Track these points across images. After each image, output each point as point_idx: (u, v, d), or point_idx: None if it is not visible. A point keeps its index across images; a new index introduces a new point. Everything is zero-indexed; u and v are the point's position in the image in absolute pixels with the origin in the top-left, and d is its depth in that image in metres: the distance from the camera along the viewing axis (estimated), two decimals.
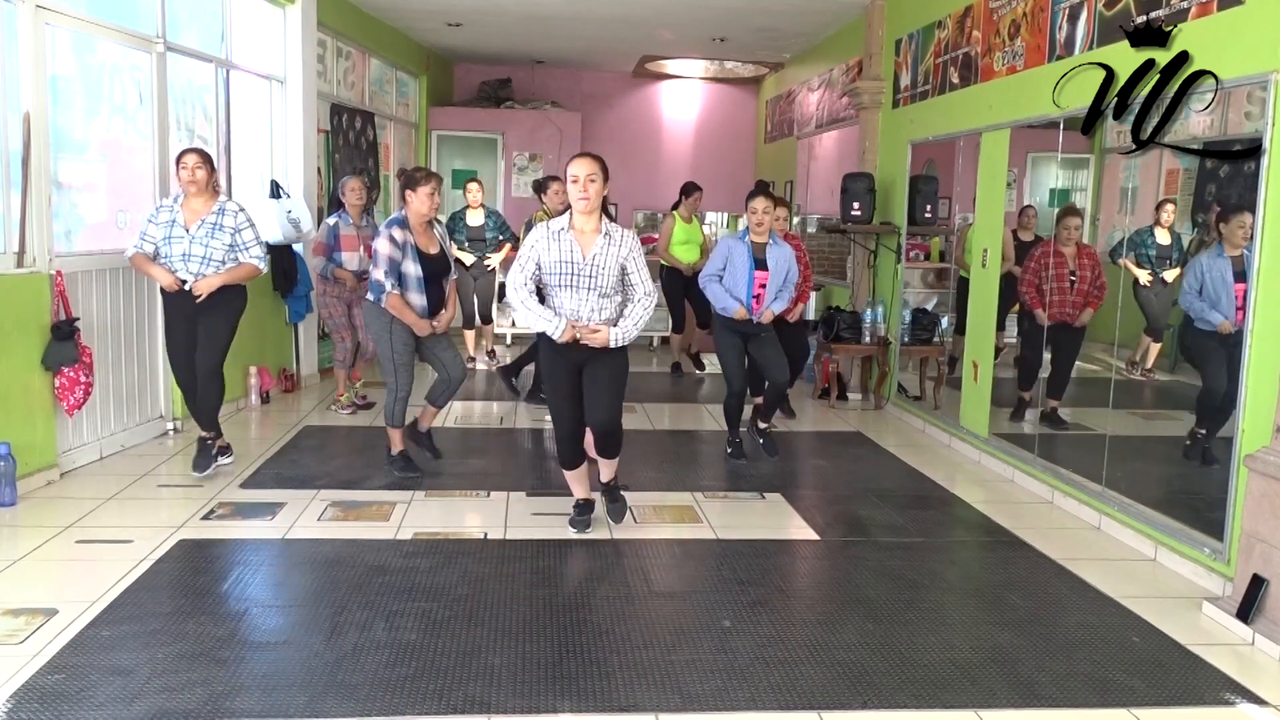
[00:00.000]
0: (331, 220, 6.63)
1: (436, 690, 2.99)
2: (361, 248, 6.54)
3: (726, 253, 5.57)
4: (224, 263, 4.95)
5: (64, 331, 4.84)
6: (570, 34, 10.19)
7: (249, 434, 6.18)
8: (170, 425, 5.99)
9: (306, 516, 4.57)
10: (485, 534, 4.42)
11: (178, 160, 4.93)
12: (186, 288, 4.89)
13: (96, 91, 5.54)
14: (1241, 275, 4.42)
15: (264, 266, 5.09)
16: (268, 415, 6.69)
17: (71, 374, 4.88)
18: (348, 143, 8.85)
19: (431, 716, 2.86)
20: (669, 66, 12.21)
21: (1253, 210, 3.80)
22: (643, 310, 4.21)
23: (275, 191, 7.04)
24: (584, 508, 4.51)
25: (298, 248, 7.35)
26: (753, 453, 5.86)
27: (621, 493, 4.67)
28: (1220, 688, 3.19)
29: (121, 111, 5.74)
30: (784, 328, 6.11)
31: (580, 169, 4.10)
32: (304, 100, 7.69)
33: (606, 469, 4.56)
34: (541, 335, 4.26)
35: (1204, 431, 4.91)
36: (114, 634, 3.29)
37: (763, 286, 5.52)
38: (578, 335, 4.13)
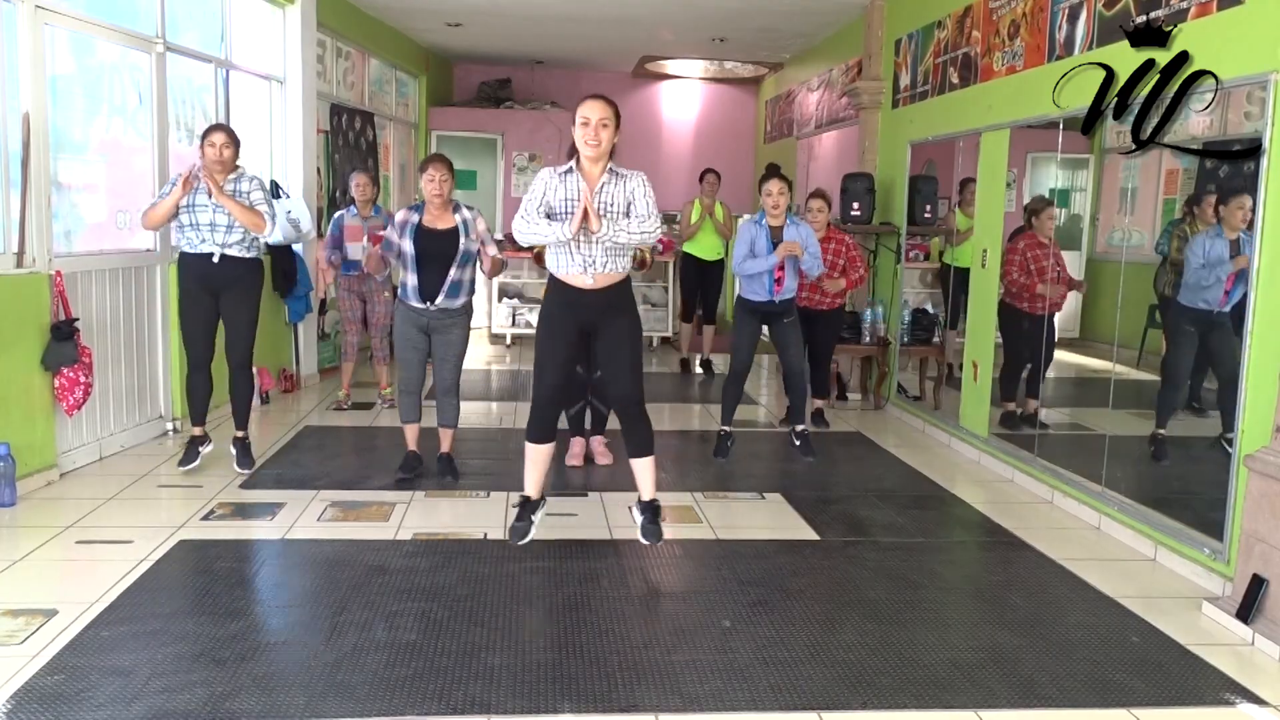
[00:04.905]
0: (339, 214, 6.84)
1: (436, 690, 2.99)
2: (365, 238, 6.65)
3: (750, 237, 5.65)
4: (247, 233, 4.95)
5: (63, 332, 4.83)
6: (570, 34, 10.19)
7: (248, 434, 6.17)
8: (170, 425, 5.98)
9: (306, 517, 4.56)
10: (485, 534, 4.41)
11: (204, 137, 4.90)
12: (215, 260, 4.91)
13: (96, 91, 5.54)
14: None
15: (269, 224, 4.97)
16: (267, 415, 6.68)
17: (71, 374, 4.88)
18: (347, 143, 8.85)
19: (431, 717, 2.86)
20: (669, 67, 12.22)
21: (1251, 192, 3.81)
22: (640, 225, 3.84)
23: (275, 192, 7.05)
24: (528, 507, 4.06)
25: (297, 248, 7.35)
26: (742, 453, 5.86)
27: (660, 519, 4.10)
28: (1220, 688, 3.19)
29: (121, 112, 5.74)
30: (820, 316, 6.39)
31: (592, 112, 3.79)
32: (304, 100, 7.69)
33: (647, 479, 4.07)
34: (547, 292, 4.06)
35: (1163, 431, 4.95)
36: (114, 634, 3.29)
37: (782, 269, 5.60)
38: (585, 223, 3.75)
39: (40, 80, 4.81)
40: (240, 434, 5.25)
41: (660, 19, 9.32)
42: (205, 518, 4.51)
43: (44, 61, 4.84)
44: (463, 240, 4.94)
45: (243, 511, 4.61)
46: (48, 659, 3.10)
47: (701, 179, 8.58)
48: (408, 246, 4.92)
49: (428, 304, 4.95)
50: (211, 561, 4.02)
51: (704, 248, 8.44)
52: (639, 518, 4.08)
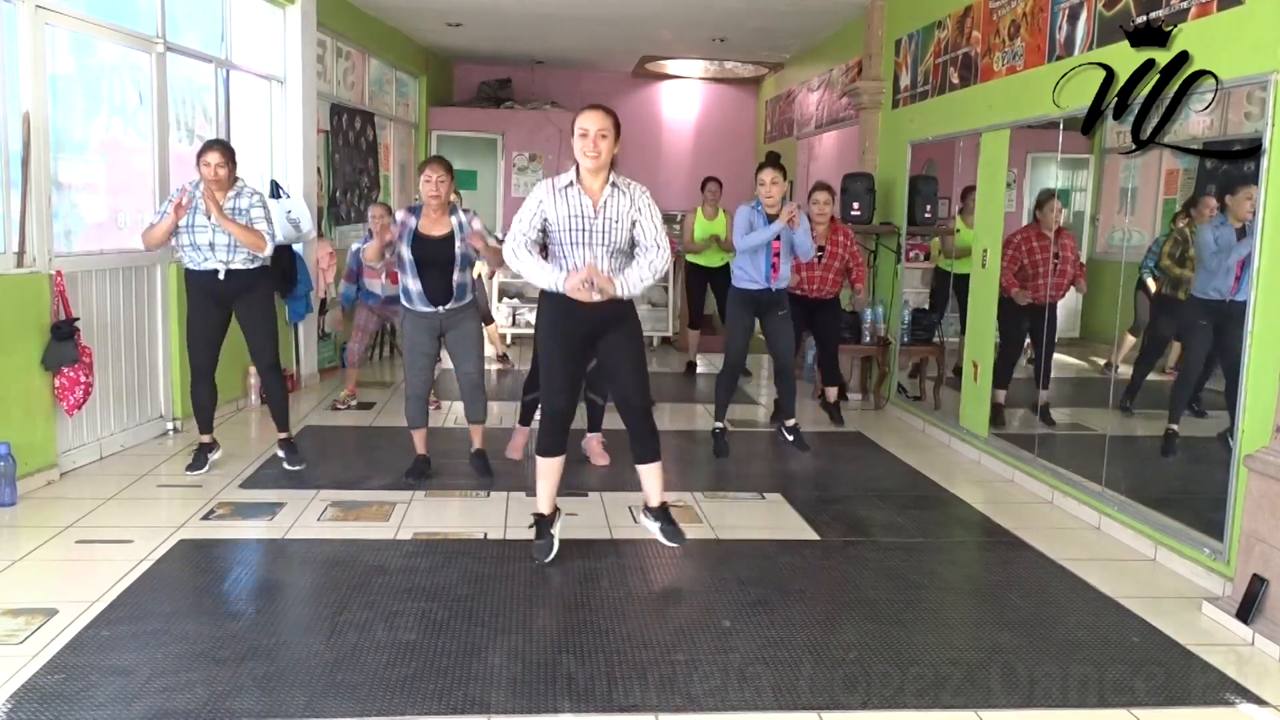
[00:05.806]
0: (355, 247, 6.82)
1: (436, 690, 2.99)
2: (384, 276, 6.69)
3: (748, 220, 5.65)
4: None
5: (64, 331, 4.83)
6: (570, 34, 10.19)
7: (248, 434, 6.18)
8: (170, 425, 5.98)
9: (306, 516, 4.57)
10: (485, 534, 4.41)
11: (199, 155, 4.87)
12: (221, 276, 4.93)
13: (96, 91, 5.54)
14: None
15: (269, 244, 4.98)
16: (267, 415, 6.65)
17: (71, 374, 4.88)
18: (347, 143, 8.85)
19: (431, 717, 2.86)
20: (669, 66, 12.22)
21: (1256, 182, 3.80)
22: (649, 261, 3.82)
23: (275, 191, 7.06)
24: (545, 523, 4.03)
25: (297, 248, 7.35)
26: (742, 453, 5.85)
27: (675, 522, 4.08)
28: (1220, 688, 3.19)
29: (121, 111, 5.73)
30: (820, 305, 6.39)
31: (591, 123, 3.74)
32: (304, 100, 7.68)
33: (654, 484, 4.03)
34: (542, 300, 3.97)
35: (1175, 426, 4.95)
36: (114, 634, 3.29)
37: (778, 255, 5.63)
38: (587, 287, 3.71)
39: (40, 80, 4.80)
40: (283, 435, 5.28)
41: (660, 19, 9.32)
42: (205, 518, 4.51)
43: (44, 61, 4.84)
44: (458, 244, 4.91)
45: (242, 511, 4.61)
46: (48, 659, 3.10)
47: (703, 187, 8.52)
48: (405, 253, 4.90)
49: (437, 308, 4.97)
50: (211, 561, 4.03)
51: (708, 257, 8.39)
52: (652, 524, 4.08)
